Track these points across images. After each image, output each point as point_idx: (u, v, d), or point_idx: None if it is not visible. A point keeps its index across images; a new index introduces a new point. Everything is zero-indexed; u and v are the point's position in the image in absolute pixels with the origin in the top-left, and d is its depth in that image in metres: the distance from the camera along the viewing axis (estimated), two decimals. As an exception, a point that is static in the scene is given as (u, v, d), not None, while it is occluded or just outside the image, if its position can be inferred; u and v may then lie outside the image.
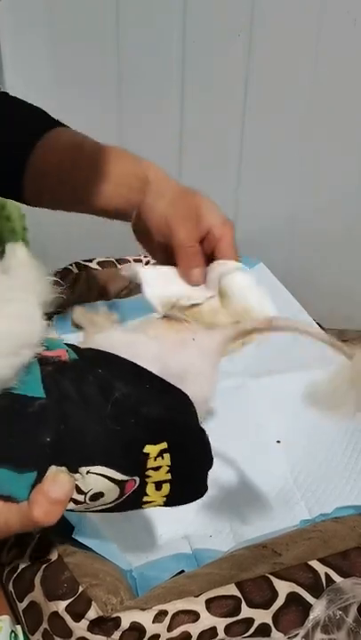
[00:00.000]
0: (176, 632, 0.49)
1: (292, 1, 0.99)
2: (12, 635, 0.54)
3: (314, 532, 0.60)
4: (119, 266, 1.05)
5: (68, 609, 0.50)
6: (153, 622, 0.49)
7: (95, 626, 0.49)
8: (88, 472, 0.44)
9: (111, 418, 0.45)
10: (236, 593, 0.52)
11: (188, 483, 0.50)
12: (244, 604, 0.51)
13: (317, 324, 0.95)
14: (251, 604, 0.52)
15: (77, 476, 0.44)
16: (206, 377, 0.53)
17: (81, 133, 0.72)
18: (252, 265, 1.05)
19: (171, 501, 0.49)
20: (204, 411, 0.52)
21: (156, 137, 1.12)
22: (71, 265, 0.98)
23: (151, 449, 0.46)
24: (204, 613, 0.50)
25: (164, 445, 0.47)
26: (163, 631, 0.49)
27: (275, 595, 0.52)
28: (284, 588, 0.53)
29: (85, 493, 0.45)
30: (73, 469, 0.44)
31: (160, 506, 0.49)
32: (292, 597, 0.53)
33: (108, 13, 1.01)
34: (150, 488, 0.47)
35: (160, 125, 1.11)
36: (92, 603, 0.50)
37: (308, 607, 0.52)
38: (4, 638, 0.53)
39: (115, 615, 0.49)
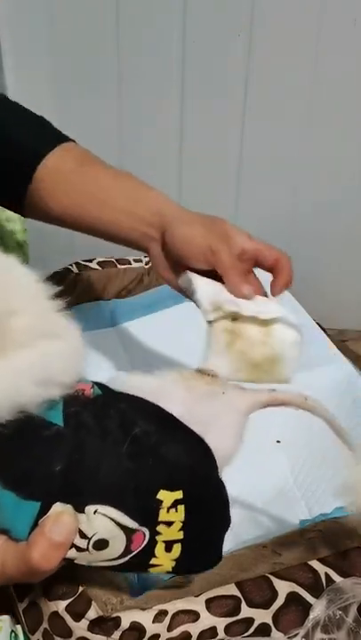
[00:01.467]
0: (176, 632, 0.49)
1: (292, 1, 0.99)
2: (12, 634, 0.54)
3: (314, 532, 0.60)
4: (119, 266, 1.05)
5: (68, 609, 0.50)
6: (153, 622, 0.49)
7: (95, 625, 0.49)
8: (95, 512, 0.42)
9: (128, 454, 0.43)
10: (236, 593, 0.52)
11: (201, 546, 0.47)
12: (244, 604, 0.51)
13: (317, 324, 0.95)
14: (251, 604, 0.52)
15: (83, 517, 0.41)
16: (231, 433, 0.52)
17: (88, 153, 0.70)
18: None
19: (180, 567, 0.46)
20: (225, 468, 0.49)
21: (156, 137, 1.12)
22: (71, 265, 0.98)
23: (165, 495, 0.44)
24: (204, 613, 0.50)
25: (179, 494, 0.44)
26: (163, 631, 0.49)
27: (275, 594, 0.52)
28: (284, 587, 0.53)
29: (89, 539, 0.42)
30: (80, 507, 0.41)
31: (168, 572, 0.46)
32: (292, 597, 0.53)
33: (108, 13, 1.01)
34: (160, 548, 0.44)
35: (160, 125, 1.11)
36: (92, 602, 0.50)
37: (308, 607, 0.52)
38: (5, 638, 0.53)
39: (115, 615, 0.49)
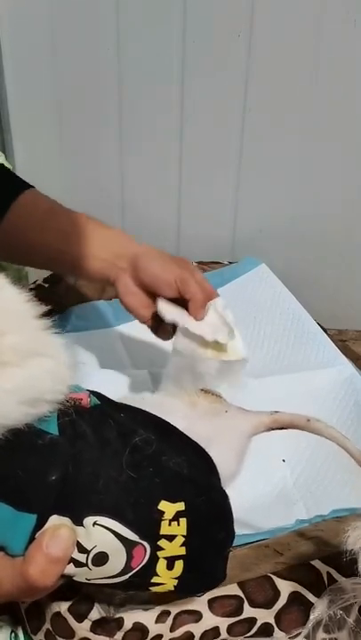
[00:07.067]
0: (178, 632, 0.50)
1: (292, 1, 0.99)
2: (13, 635, 0.54)
3: (315, 532, 0.60)
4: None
5: (70, 609, 0.50)
6: (156, 622, 0.49)
7: (98, 626, 0.49)
8: (95, 524, 0.40)
9: (128, 463, 0.42)
10: (239, 593, 0.52)
11: (203, 563, 0.46)
12: (246, 604, 0.52)
13: (317, 323, 0.95)
14: (253, 604, 0.52)
15: (81, 529, 0.40)
16: (233, 452, 0.52)
17: (51, 199, 0.76)
18: (254, 265, 1.06)
19: (182, 585, 0.45)
20: (226, 487, 0.49)
21: (156, 137, 1.12)
22: (72, 265, 0.98)
23: (167, 507, 0.43)
24: (206, 613, 0.50)
25: (181, 506, 0.43)
26: (165, 631, 0.49)
27: (277, 594, 0.52)
28: (286, 587, 0.53)
29: (88, 552, 0.40)
30: (78, 520, 0.40)
31: (170, 591, 0.45)
32: (294, 597, 0.53)
33: (108, 13, 1.01)
34: (161, 565, 0.43)
35: (160, 126, 1.11)
36: (95, 603, 0.50)
37: (309, 606, 0.52)
38: (5, 638, 0.53)
39: (117, 615, 0.49)
